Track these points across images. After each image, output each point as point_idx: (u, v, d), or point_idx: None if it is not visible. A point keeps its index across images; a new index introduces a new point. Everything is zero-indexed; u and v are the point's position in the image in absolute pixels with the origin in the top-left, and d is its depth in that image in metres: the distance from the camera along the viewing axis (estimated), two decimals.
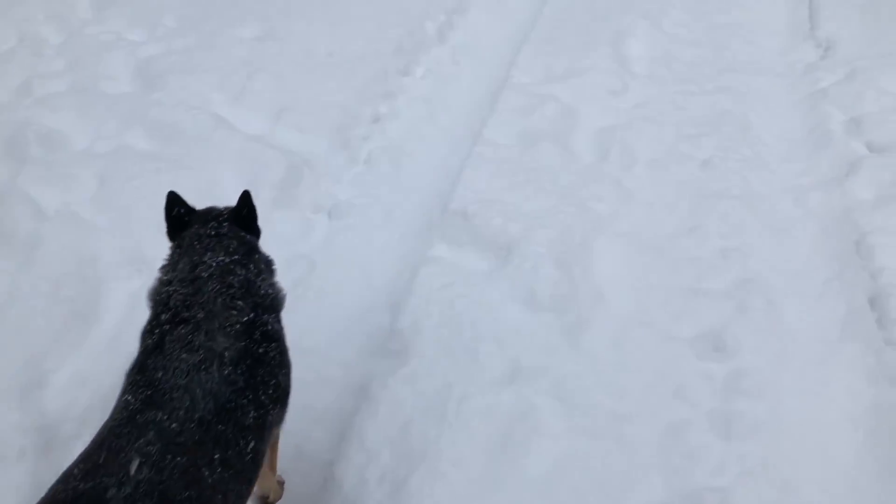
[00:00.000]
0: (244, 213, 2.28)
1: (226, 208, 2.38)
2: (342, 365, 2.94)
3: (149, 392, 1.85)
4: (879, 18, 5.24)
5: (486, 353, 2.83)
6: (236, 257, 2.16)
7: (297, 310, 3.17)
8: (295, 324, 3.13)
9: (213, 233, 2.23)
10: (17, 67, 4.81)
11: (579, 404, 2.69)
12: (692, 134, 4.18)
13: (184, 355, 1.92)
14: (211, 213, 2.34)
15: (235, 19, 5.52)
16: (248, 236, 2.28)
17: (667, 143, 4.11)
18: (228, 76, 4.75)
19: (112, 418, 1.82)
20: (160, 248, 2.38)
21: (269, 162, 3.99)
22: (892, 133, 3.98)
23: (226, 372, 1.92)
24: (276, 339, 2.11)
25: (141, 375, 1.91)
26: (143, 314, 2.17)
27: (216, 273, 2.10)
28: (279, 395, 2.07)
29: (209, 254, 2.16)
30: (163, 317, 2.03)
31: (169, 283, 2.14)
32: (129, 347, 2.12)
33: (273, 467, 2.43)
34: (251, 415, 1.92)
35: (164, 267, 2.23)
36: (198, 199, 3.79)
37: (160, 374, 1.89)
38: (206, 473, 1.74)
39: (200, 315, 2.01)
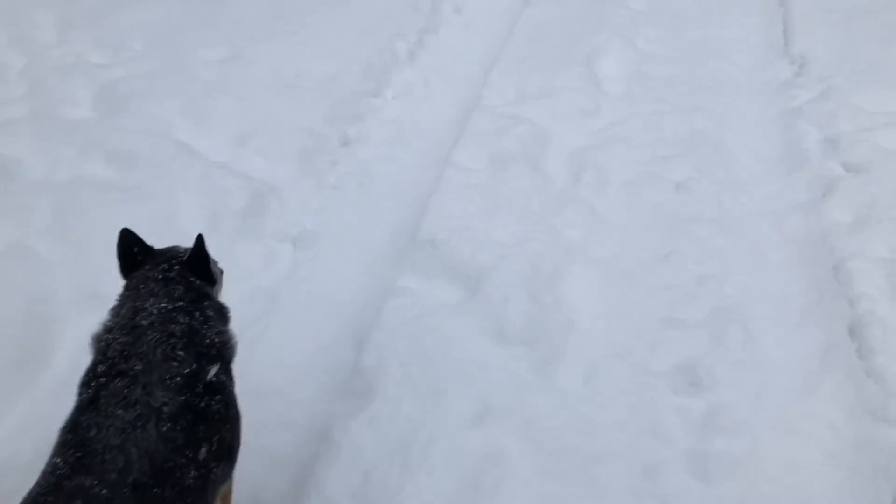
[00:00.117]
0: (196, 258, 2.15)
1: (186, 250, 2.26)
2: (303, 406, 2.81)
3: (79, 454, 1.72)
4: (853, 34, 5.19)
5: (453, 393, 2.71)
6: (181, 304, 2.03)
7: (257, 348, 3.07)
8: (256, 362, 3.02)
9: (160, 277, 2.11)
10: None
11: (550, 445, 2.57)
12: (666, 155, 4.10)
13: (119, 412, 1.79)
14: (165, 255, 2.21)
15: (202, 41, 5.40)
16: (199, 282, 2.14)
17: (640, 164, 4.03)
18: (193, 100, 4.62)
19: (37, 485, 1.69)
20: (118, 284, 2.25)
21: (232, 189, 3.87)
22: (868, 153, 3.90)
23: (164, 429, 1.79)
24: (220, 391, 1.98)
25: (72, 434, 1.78)
26: None
27: (157, 321, 1.97)
28: (223, 452, 1.94)
29: (152, 300, 2.04)
30: (99, 368, 1.91)
31: (110, 329, 2.02)
32: None
33: None
34: (192, 475, 1.79)
35: (112, 309, 2.10)
36: (157, 230, 3.67)
37: (93, 433, 1.75)
38: None
39: (138, 367, 1.88)
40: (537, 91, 4.71)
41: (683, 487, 2.44)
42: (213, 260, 2.47)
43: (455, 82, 5.15)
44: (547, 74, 4.91)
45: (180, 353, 1.93)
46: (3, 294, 3.22)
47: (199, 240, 2.15)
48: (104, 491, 1.64)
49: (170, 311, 2.00)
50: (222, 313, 2.18)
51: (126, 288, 2.15)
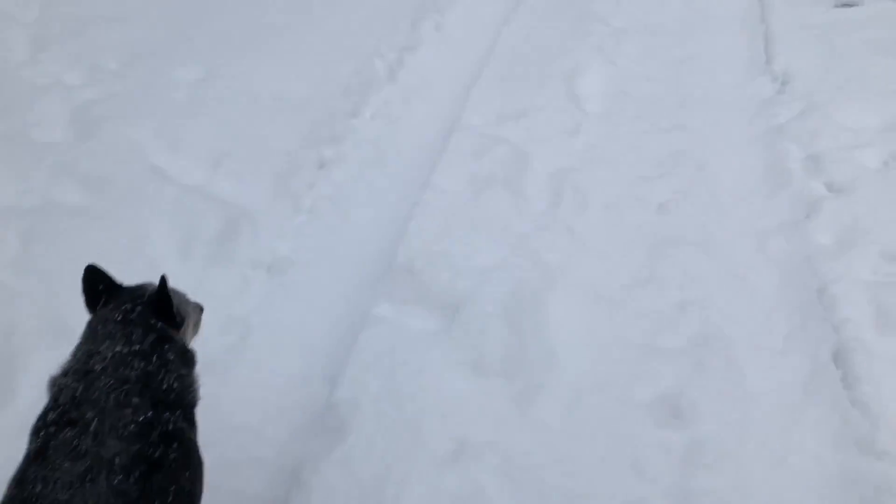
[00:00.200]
0: (158, 300, 2.05)
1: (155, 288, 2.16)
2: (274, 443, 2.72)
3: None
4: (834, 49, 5.17)
5: (429, 430, 2.62)
6: (137, 347, 1.94)
7: (229, 382, 2.97)
8: (226, 397, 2.93)
9: (119, 318, 2.01)
10: None
11: (530, 484, 2.49)
12: (647, 175, 4.04)
13: (67, 464, 1.69)
14: (130, 294, 2.11)
15: (179, 60, 5.32)
16: (161, 324, 2.05)
17: (621, 185, 3.97)
18: (167, 121, 4.53)
19: None
20: (86, 317, 2.16)
21: (206, 215, 3.78)
22: (850, 172, 3.86)
23: (115, 482, 1.69)
24: (178, 438, 1.88)
25: (18, 489, 1.68)
26: None
27: (111, 366, 1.88)
28: (183, 502, 1.84)
29: (108, 343, 1.94)
30: (50, 416, 1.81)
31: (65, 374, 1.92)
32: None
33: None
34: None
35: (73, 351, 2.01)
36: (127, 259, 3.59)
37: (39, 488, 1.66)
38: None
39: (90, 415, 1.78)
40: (517, 110, 4.65)
41: None
42: (188, 299, 2.37)
43: (435, 101, 5.08)
44: (527, 93, 4.85)
45: (135, 399, 1.84)
46: None
47: (163, 281, 2.06)
48: None
49: (125, 356, 1.91)
50: (186, 357, 2.09)
51: (86, 328, 2.06)
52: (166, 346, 2.01)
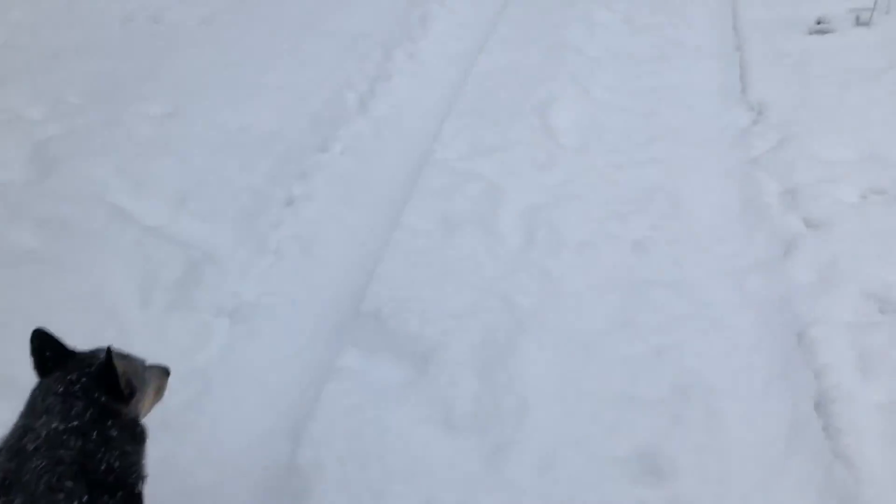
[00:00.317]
0: (103, 372, 1.91)
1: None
2: None
3: None
4: (809, 79, 5.14)
5: (395, 494, 2.49)
6: (75, 424, 1.80)
7: (186, 440, 2.83)
8: (184, 456, 2.78)
9: (60, 391, 1.88)
10: None
11: None
12: (622, 211, 3.95)
13: None
14: (79, 363, 1.96)
15: (143, 94, 5.20)
16: (105, 398, 1.90)
17: (596, 222, 3.87)
18: (130, 159, 4.41)
19: None
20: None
21: (167, 259, 3.65)
22: (828, 207, 3.80)
23: None
24: None
25: None
26: None
27: (44, 445, 1.74)
28: None
29: (45, 418, 1.81)
30: None
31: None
32: None
33: None
34: None
35: (14, 423, 1.87)
36: (84, 307, 3.45)
37: None
38: None
39: (18, 501, 1.65)
40: (490, 144, 4.56)
41: None
42: (147, 365, 2.21)
43: (407, 133, 4.98)
44: (500, 125, 4.76)
45: (68, 482, 1.70)
46: None
47: (108, 354, 1.91)
48: None
49: (61, 433, 1.77)
50: (133, 432, 1.94)
51: (28, 399, 1.92)
52: (109, 422, 1.87)
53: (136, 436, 1.96)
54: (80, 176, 4.23)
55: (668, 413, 2.81)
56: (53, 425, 1.79)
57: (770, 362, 3.04)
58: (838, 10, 6.00)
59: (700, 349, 3.12)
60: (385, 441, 2.67)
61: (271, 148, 4.59)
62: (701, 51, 5.83)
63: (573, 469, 2.61)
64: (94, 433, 1.82)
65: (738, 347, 3.13)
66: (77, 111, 5.02)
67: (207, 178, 4.25)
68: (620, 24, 6.24)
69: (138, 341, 3.25)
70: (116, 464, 1.82)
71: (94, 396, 1.89)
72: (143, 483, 1.91)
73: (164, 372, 2.30)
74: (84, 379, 1.91)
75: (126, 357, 2.10)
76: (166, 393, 2.32)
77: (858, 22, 5.80)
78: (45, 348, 1.99)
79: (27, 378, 2.04)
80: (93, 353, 2.03)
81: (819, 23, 5.89)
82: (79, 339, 3.29)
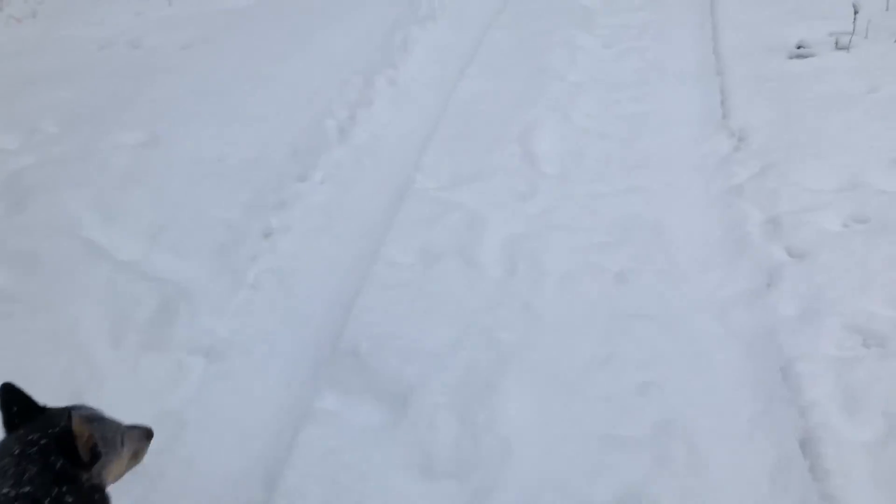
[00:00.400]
0: (63, 437, 1.82)
1: (80, 412, 1.90)
2: None
3: None
4: (789, 103, 5.13)
5: None
6: (27, 490, 1.71)
7: (158, 487, 2.75)
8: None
9: (17, 451, 1.78)
10: None
11: None
12: (604, 242, 3.91)
13: None
14: (45, 421, 1.86)
15: (120, 122, 5.14)
16: (64, 461, 1.81)
17: (578, 253, 3.83)
18: (104, 191, 4.33)
19: None
20: None
21: (140, 296, 3.56)
22: (811, 236, 3.77)
23: None
24: None
25: None
26: None
27: None
28: None
29: None
30: None
31: None
32: None
33: None
34: None
35: None
36: (54, 347, 3.36)
37: None
38: None
39: None
40: (471, 172, 4.52)
41: None
42: (123, 426, 2.09)
43: (388, 161, 4.93)
44: (481, 153, 4.73)
45: None
46: None
47: (68, 417, 1.82)
48: None
49: (11, 500, 1.69)
50: (92, 500, 1.85)
51: None
52: (64, 489, 1.78)
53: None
54: (53, 208, 4.15)
55: (651, 454, 2.75)
56: (4, 490, 1.70)
57: (754, 399, 2.99)
58: (818, 35, 6.02)
59: (683, 385, 3.07)
60: (363, 487, 2.60)
61: (250, 177, 4.52)
62: (682, 75, 5.83)
63: None
64: (47, 500, 1.73)
65: (721, 383, 3.08)
66: (52, 140, 4.95)
67: (183, 210, 4.17)
68: (602, 48, 6.25)
69: (110, 383, 3.18)
70: None
71: (51, 461, 1.79)
72: None
73: (146, 434, 2.16)
74: (43, 441, 1.81)
75: (98, 419, 1.98)
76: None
77: (838, 46, 5.82)
78: (13, 403, 1.90)
79: None
80: (63, 411, 1.93)
81: (799, 47, 5.90)
82: (49, 380, 3.23)
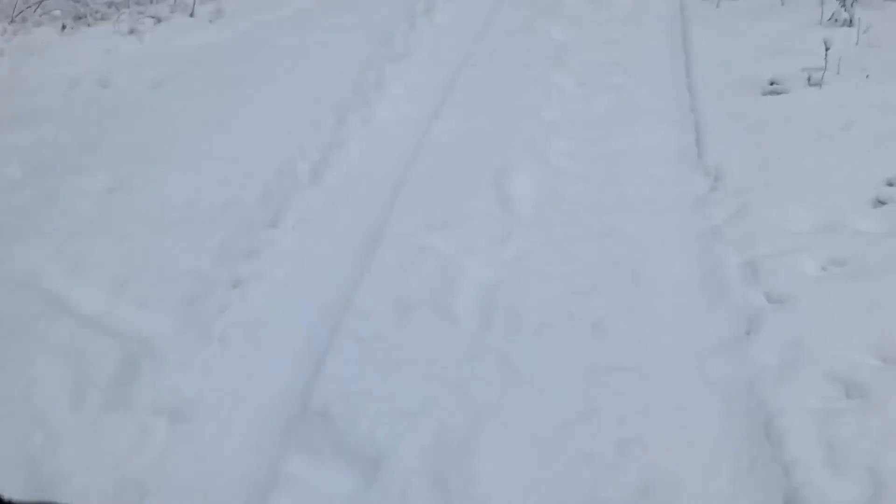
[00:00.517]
0: None
1: None
2: None
3: None
4: (765, 142, 5.13)
5: None
6: None
7: None
8: None
9: None
10: None
11: None
12: (581, 289, 3.84)
13: None
14: None
15: (86, 166, 5.02)
16: None
17: (554, 301, 3.75)
18: (68, 240, 4.20)
19: None
20: None
21: (102, 353, 3.43)
22: (790, 281, 3.72)
23: None
24: None
25: None
26: None
27: None
28: None
29: None
30: None
31: None
32: None
33: None
34: None
35: None
36: (11, 410, 3.22)
37: None
38: None
39: None
40: (446, 217, 4.44)
41: None
42: None
43: (360, 205, 4.84)
44: (456, 196, 4.66)
45: None
46: None
47: None
48: None
49: None
50: None
51: None
52: None
53: None
54: (13, 260, 4.02)
55: None
56: None
57: (737, 455, 2.91)
58: (791, 70, 6.05)
59: (664, 442, 2.98)
60: None
61: (219, 224, 4.41)
62: (657, 112, 5.82)
63: None
64: None
65: (703, 439, 3.00)
66: (15, 186, 4.82)
67: (150, 260, 4.05)
68: (576, 86, 6.22)
69: (68, 448, 3.05)
70: None
71: None
72: None
73: None
74: None
75: None
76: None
77: (810, 82, 5.85)
78: None
79: None
80: None
81: (772, 83, 5.92)
82: (3, 447, 3.08)
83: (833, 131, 5.15)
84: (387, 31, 7.26)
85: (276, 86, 6.26)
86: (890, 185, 4.49)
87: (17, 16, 8.03)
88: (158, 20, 8.09)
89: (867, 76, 5.88)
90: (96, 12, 8.30)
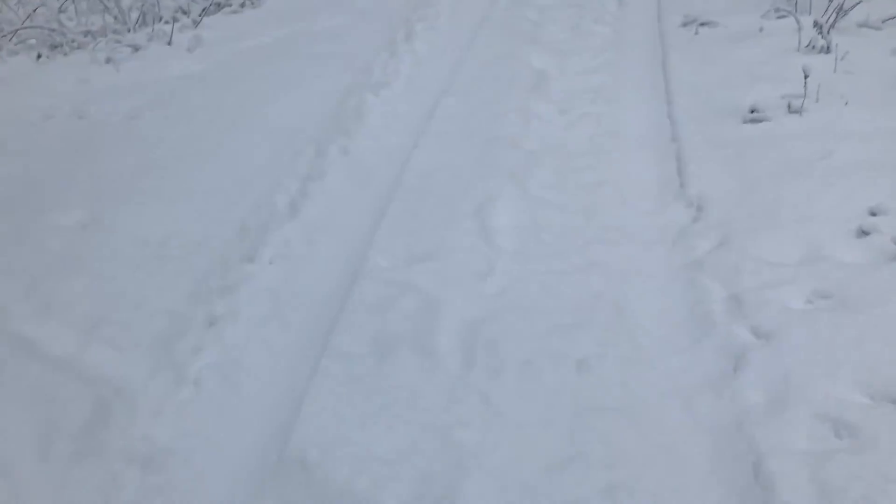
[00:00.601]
0: None
1: None
2: None
3: None
4: (747, 170, 5.10)
5: None
6: None
7: None
8: None
9: None
10: None
11: None
12: (565, 325, 3.77)
13: None
14: None
15: (59, 201, 4.93)
16: None
17: (538, 338, 3.68)
18: (39, 280, 4.11)
19: None
20: None
21: (72, 399, 3.33)
22: (776, 315, 3.67)
23: None
24: None
25: None
26: None
27: None
28: None
29: None
30: None
31: None
32: None
33: None
34: None
35: None
36: None
37: None
38: None
39: None
40: (426, 250, 4.37)
41: None
42: None
43: (339, 238, 4.76)
44: (437, 229, 4.59)
45: None
46: None
47: None
48: None
49: None
50: None
51: None
52: None
53: None
54: None
55: None
56: None
57: (726, 500, 2.84)
58: (771, 98, 6.05)
59: (652, 486, 2.91)
60: None
61: (195, 260, 4.32)
62: (638, 141, 5.79)
63: None
64: None
65: (691, 482, 2.92)
66: None
67: (122, 301, 3.95)
68: (557, 114, 6.20)
69: (34, 501, 2.93)
70: None
71: None
72: None
73: None
74: None
75: None
76: None
77: (790, 110, 5.85)
78: None
79: None
80: None
81: (753, 111, 5.92)
82: None
83: (814, 160, 5.13)
84: (366, 60, 7.24)
85: (254, 116, 6.20)
86: (872, 214, 4.46)
87: None
88: (136, 49, 8.03)
89: (846, 103, 5.89)
90: (73, 41, 8.23)
